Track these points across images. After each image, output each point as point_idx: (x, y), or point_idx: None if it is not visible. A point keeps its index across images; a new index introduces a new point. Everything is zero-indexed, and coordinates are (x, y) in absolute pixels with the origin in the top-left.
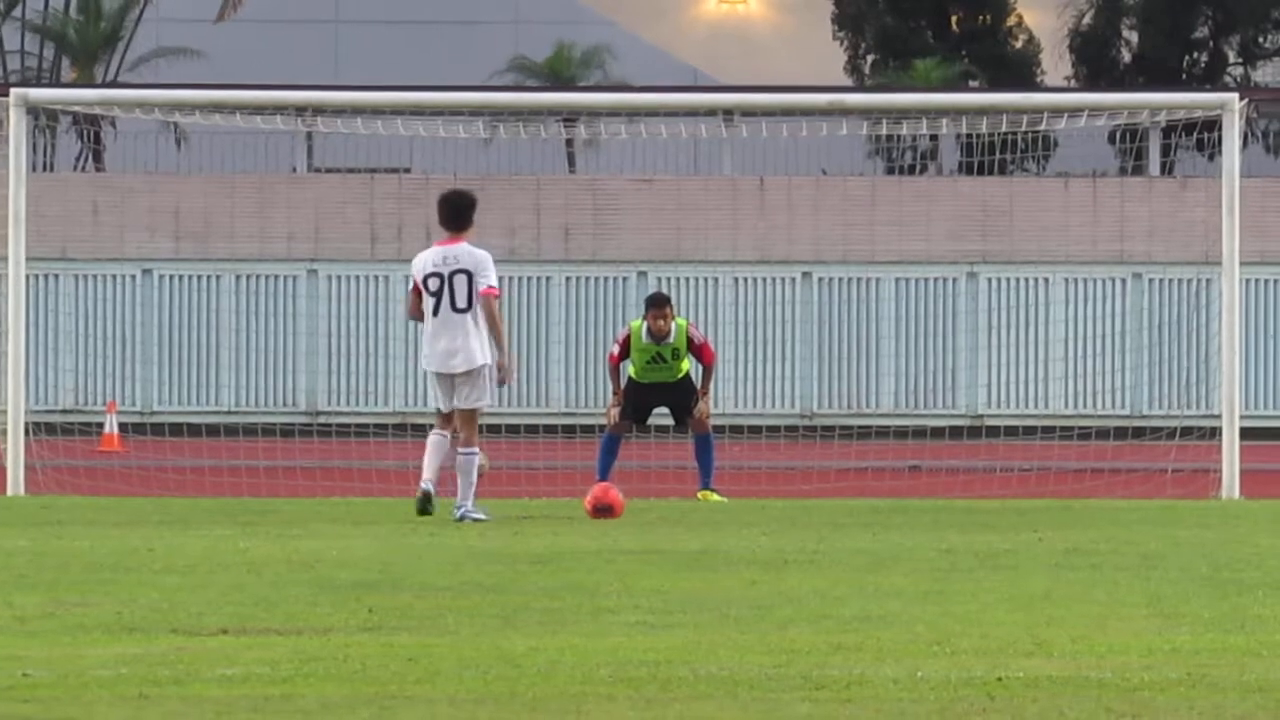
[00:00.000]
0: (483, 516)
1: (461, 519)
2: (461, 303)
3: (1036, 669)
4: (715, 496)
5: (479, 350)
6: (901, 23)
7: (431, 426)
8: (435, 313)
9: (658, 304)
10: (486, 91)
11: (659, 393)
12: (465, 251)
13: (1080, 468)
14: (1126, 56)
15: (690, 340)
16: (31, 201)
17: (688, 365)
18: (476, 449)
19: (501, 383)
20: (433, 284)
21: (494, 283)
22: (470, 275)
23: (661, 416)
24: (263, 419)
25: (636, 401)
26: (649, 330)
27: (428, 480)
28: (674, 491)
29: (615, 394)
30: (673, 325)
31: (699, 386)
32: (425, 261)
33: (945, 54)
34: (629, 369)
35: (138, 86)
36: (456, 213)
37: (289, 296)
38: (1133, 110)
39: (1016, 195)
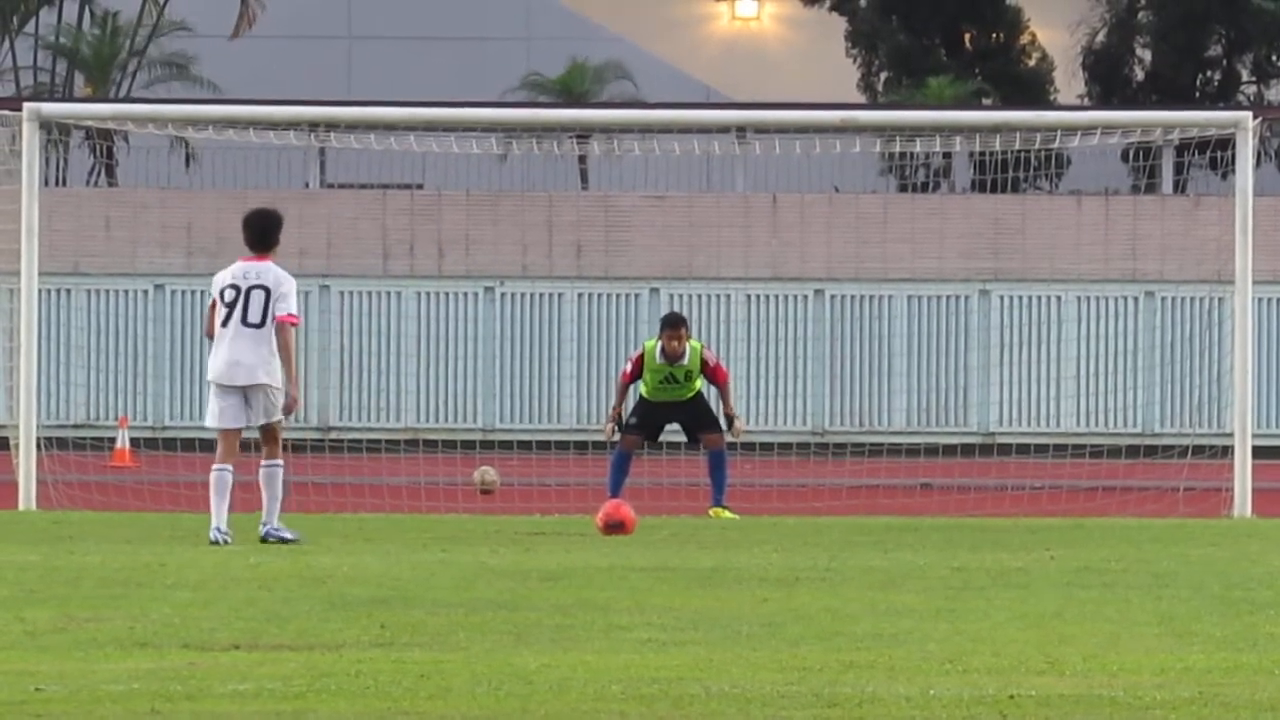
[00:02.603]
0: (289, 536)
1: (266, 538)
2: (254, 318)
3: (1048, 687)
4: (727, 513)
5: (264, 369)
6: (915, 40)
7: (219, 466)
8: (225, 324)
9: (673, 325)
10: (499, 108)
11: (671, 410)
12: (268, 269)
13: (1092, 486)
14: (1140, 75)
15: (704, 363)
16: (44, 216)
17: (700, 385)
18: (281, 462)
19: (288, 412)
20: (228, 295)
21: (294, 310)
22: (268, 293)
23: (673, 433)
24: None
25: (647, 419)
26: (663, 350)
27: (218, 528)
28: (685, 509)
29: (614, 408)
30: (687, 347)
31: (722, 408)
32: (225, 275)
33: (958, 72)
34: (640, 388)
35: (150, 101)
36: (262, 233)
37: (301, 312)
38: (1146, 128)
39: (1029, 213)
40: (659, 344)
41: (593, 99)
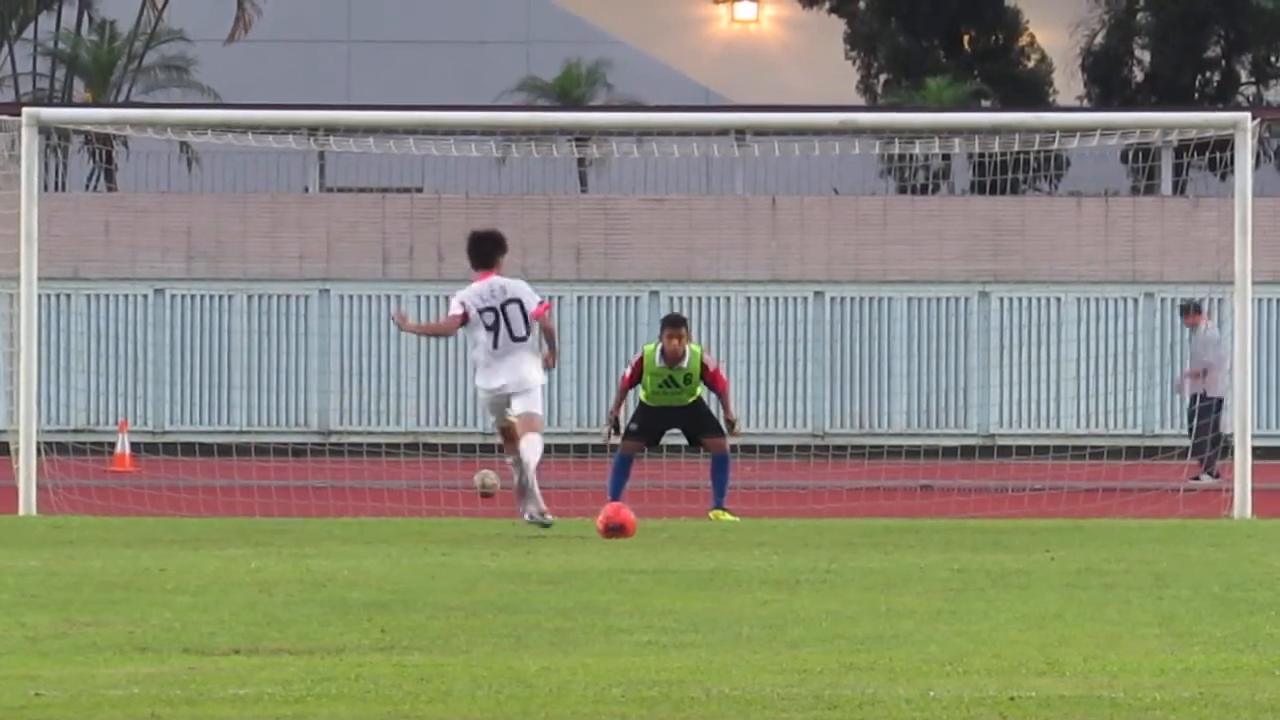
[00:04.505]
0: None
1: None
2: (519, 331)
3: (1049, 688)
4: (727, 516)
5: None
6: (914, 42)
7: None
8: (495, 345)
9: (673, 324)
10: (498, 111)
11: (671, 415)
12: (509, 284)
13: (1092, 487)
14: (1139, 76)
15: (704, 368)
16: (43, 221)
17: (700, 390)
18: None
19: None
20: (489, 319)
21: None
22: (521, 305)
23: (674, 435)
24: (275, 438)
25: (648, 423)
26: (663, 352)
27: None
28: (686, 511)
29: (612, 410)
30: (687, 350)
31: (723, 413)
32: (473, 297)
33: (957, 73)
34: (640, 393)
35: (149, 106)
36: (484, 253)
37: (301, 316)
38: (1145, 130)
39: (1028, 215)
40: (659, 346)
41: (586, 101)
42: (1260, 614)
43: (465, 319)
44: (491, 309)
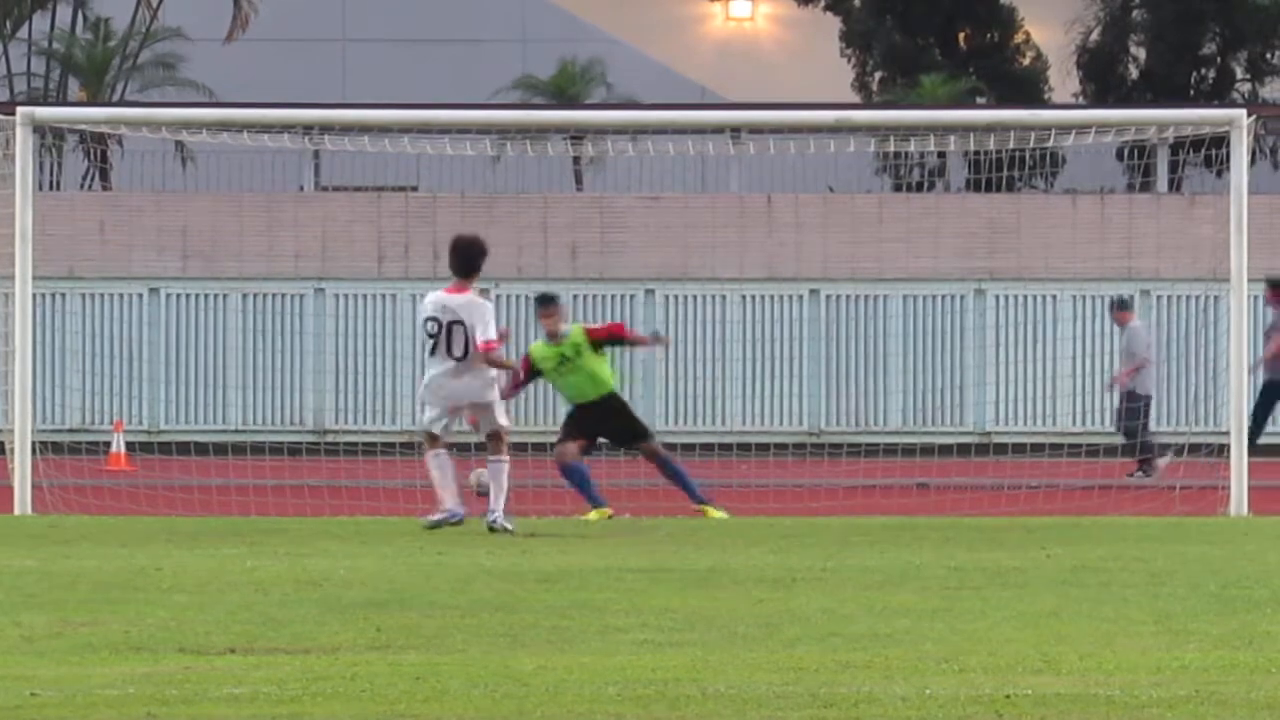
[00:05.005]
0: (511, 526)
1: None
2: (458, 351)
3: (1045, 686)
4: (715, 512)
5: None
6: (909, 39)
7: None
8: (433, 353)
9: (543, 303)
10: (493, 109)
11: (595, 419)
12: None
13: (1088, 485)
14: (1134, 73)
15: (589, 333)
16: (38, 220)
17: (606, 373)
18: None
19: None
20: (430, 327)
21: (491, 336)
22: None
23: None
24: (270, 438)
25: (581, 425)
26: (547, 334)
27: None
28: (682, 510)
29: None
30: (565, 328)
31: (639, 344)
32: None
33: (953, 71)
34: (562, 395)
35: (145, 105)
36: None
37: (296, 315)
38: (1140, 127)
39: (1024, 212)
40: (542, 338)
41: (581, 99)
42: (1256, 611)
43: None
44: (435, 319)
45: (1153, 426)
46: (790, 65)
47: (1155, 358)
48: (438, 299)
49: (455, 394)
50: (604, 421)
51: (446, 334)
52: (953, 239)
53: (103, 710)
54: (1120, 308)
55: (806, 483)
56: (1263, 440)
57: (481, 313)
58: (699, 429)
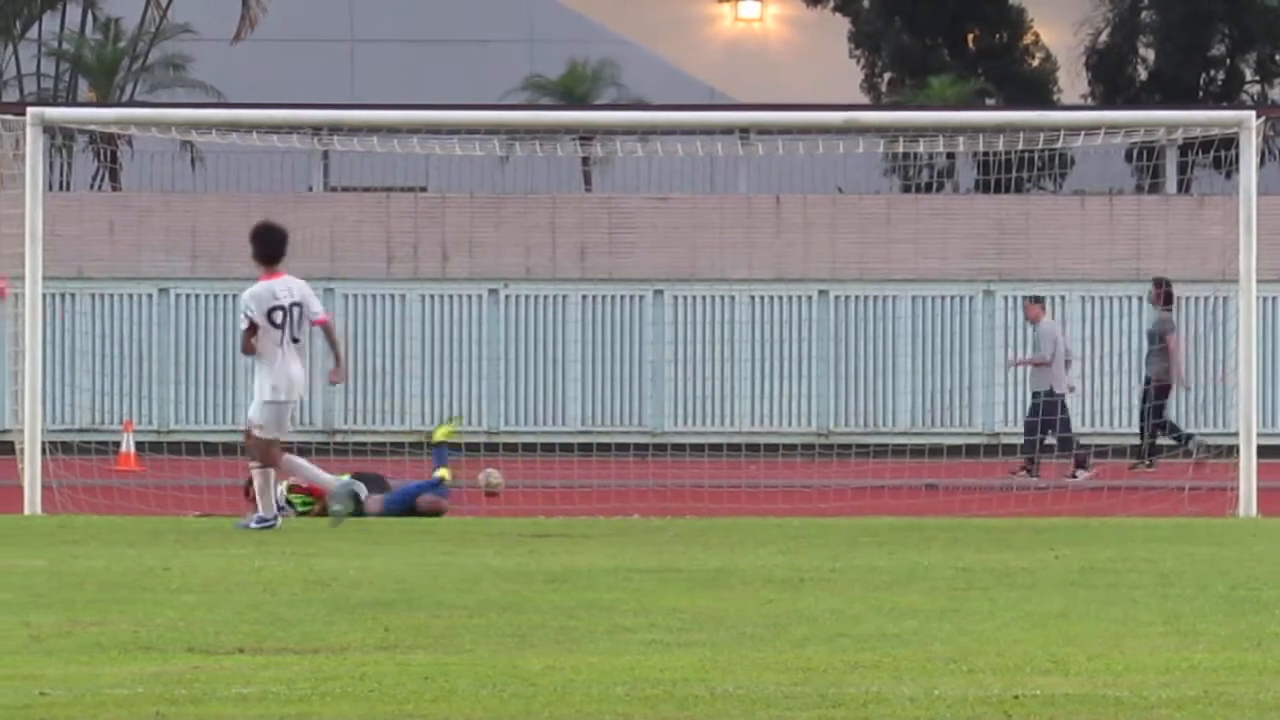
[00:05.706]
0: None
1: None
2: (299, 334)
3: (1053, 687)
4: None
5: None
6: (918, 40)
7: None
8: (280, 343)
9: None
10: (502, 110)
11: None
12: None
13: (1097, 486)
14: (1143, 74)
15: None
16: (48, 221)
17: None
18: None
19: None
20: (278, 317)
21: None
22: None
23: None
24: None
25: None
26: None
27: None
28: (691, 510)
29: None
30: None
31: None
32: (265, 296)
33: (961, 72)
34: None
35: (154, 106)
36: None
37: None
38: (1149, 128)
39: (1033, 213)
40: None
41: (591, 100)
42: (1265, 612)
43: (254, 330)
44: (281, 307)
45: (1075, 427)
46: (799, 66)
47: (1069, 357)
48: (278, 285)
49: (298, 382)
50: None
51: (292, 318)
52: (961, 240)
53: (111, 710)
54: (1032, 303)
55: (815, 483)
56: (1272, 441)
57: (308, 291)
58: (708, 429)
